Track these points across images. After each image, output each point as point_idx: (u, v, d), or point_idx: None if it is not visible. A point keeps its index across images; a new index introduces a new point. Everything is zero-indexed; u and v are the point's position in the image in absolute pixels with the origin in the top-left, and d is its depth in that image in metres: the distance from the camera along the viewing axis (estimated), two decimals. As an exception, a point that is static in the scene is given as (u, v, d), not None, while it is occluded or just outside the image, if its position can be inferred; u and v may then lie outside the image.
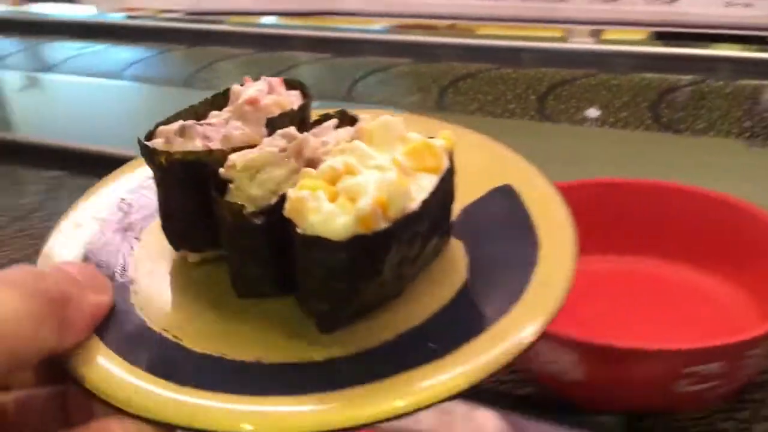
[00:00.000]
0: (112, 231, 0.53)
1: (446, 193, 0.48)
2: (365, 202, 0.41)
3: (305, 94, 0.54)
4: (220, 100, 0.54)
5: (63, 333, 0.42)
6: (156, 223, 0.54)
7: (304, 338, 0.45)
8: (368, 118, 0.49)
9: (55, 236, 0.53)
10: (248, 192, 0.46)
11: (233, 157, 0.47)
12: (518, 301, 0.45)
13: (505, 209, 0.53)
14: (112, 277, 0.49)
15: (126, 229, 0.54)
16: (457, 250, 0.50)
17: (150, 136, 0.50)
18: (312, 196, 0.43)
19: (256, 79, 0.54)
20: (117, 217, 0.55)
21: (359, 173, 0.44)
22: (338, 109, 0.53)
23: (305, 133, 0.48)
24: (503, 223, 0.52)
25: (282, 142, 0.47)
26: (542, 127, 1.26)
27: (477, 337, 0.43)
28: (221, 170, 0.47)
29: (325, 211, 0.42)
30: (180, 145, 0.49)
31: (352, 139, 0.49)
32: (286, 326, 0.46)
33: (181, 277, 0.50)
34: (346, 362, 0.43)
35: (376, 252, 0.43)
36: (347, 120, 0.53)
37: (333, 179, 0.44)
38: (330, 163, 0.45)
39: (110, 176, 0.59)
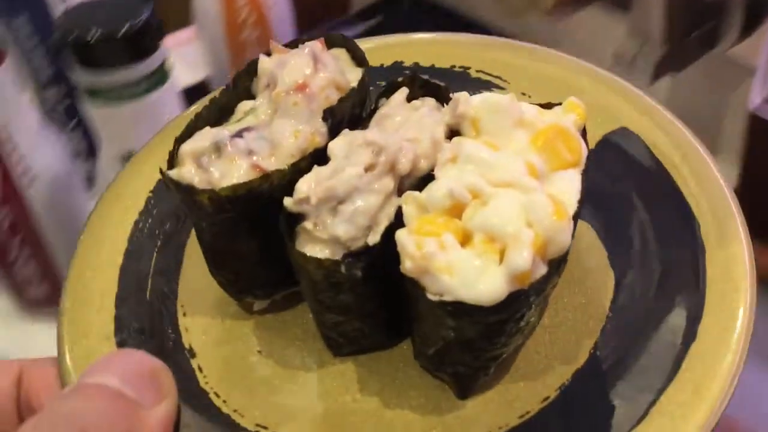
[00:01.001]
0: (143, 270, 0.42)
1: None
2: (523, 256, 0.30)
3: (359, 59, 0.41)
4: (245, 81, 0.40)
5: None
6: (191, 242, 0.43)
7: (440, 411, 0.35)
8: (466, 97, 0.36)
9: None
10: (332, 231, 0.34)
11: (304, 187, 0.34)
12: (702, 312, 0.35)
13: (628, 164, 0.42)
14: (162, 348, 0.38)
15: (159, 266, 0.42)
16: (587, 239, 0.40)
17: (172, 160, 0.37)
18: (439, 245, 0.31)
19: (289, 45, 0.40)
20: (144, 247, 0.43)
21: (491, 197, 0.32)
22: (408, 74, 0.40)
23: (393, 136, 0.36)
24: (633, 185, 0.41)
25: (365, 155, 0.35)
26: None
27: (671, 379, 0.34)
28: (288, 203, 0.35)
29: (465, 269, 0.31)
30: (220, 172, 0.36)
31: (450, 129, 0.37)
32: (410, 394, 0.36)
33: (254, 335, 0.39)
34: None
35: (532, 301, 0.33)
36: (418, 87, 0.40)
37: (457, 210, 0.33)
38: (448, 187, 0.33)
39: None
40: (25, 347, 0.76)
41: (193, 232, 0.43)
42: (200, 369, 0.38)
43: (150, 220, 0.44)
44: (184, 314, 0.40)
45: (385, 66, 0.49)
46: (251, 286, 0.39)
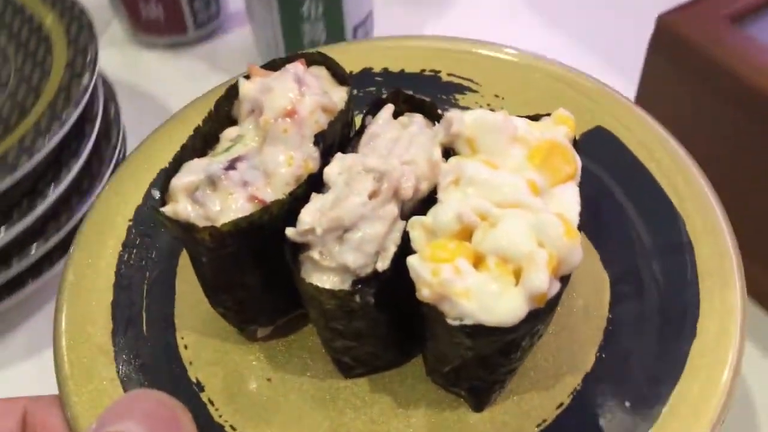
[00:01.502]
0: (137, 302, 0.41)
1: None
2: (540, 278, 0.31)
3: (340, 77, 0.40)
4: (226, 106, 0.40)
5: None
6: (182, 270, 0.42)
7: (459, 426, 0.36)
8: (460, 116, 0.36)
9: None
10: (340, 260, 0.34)
11: (307, 218, 0.34)
12: (698, 308, 0.37)
13: (607, 164, 0.43)
14: (168, 384, 0.38)
15: (149, 298, 0.41)
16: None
17: (163, 196, 0.36)
18: (455, 271, 0.32)
19: (267, 66, 0.40)
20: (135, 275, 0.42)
21: (499, 218, 0.33)
22: (391, 90, 0.40)
23: (392, 160, 0.36)
24: (615, 184, 0.42)
25: (367, 182, 0.35)
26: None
27: (677, 377, 0.35)
28: (292, 234, 0.34)
29: (483, 293, 0.31)
30: (217, 206, 0.35)
31: (445, 148, 0.37)
32: (426, 412, 0.37)
33: (261, 362, 0.39)
34: None
35: (548, 316, 0.33)
36: (402, 102, 0.40)
37: (465, 233, 0.33)
38: (456, 211, 0.33)
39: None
40: (136, 75, 0.75)
41: (182, 258, 0.42)
42: (211, 402, 0.37)
43: (135, 251, 0.43)
44: (186, 347, 0.39)
45: (354, 73, 0.48)
46: (255, 316, 0.39)
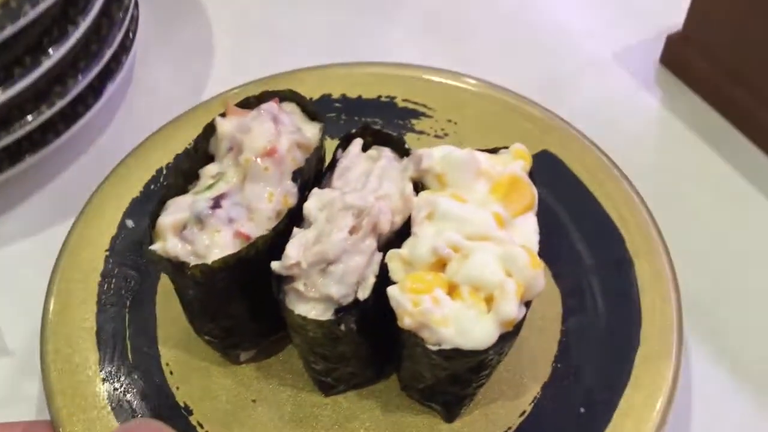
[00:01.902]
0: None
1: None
2: (511, 306, 0.34)
3: (311, 113, 0.43)
4: (204, 145, 0.42)
5: None
6: (161, 296, 0.44)
7: None
8: (429, 153, 0.39)
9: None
10: (324, 291, 0.37)
11: (293, 253, 0.37)
12: (641, 319, 0.41)
13: (553, 185, 0.47)
14: (158, 410, 0.40)
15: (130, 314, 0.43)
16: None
17: (150, 235, 0.38)
18: (433, 301, 0.35)
19: (243, 105, 0.42)
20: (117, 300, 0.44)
21: (471, 251, 0.36)
22: (360, 126, 0.43)
23: (371, 198, 0.38)
24: (562, 205, 0.47)
25: (347, 218, 0.38)
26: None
27: (626, 383, 0.39)
28: (277, 267, 0.37)
29: (460, 320, 0.35)
30: (206, 243, 0.38)
31: (415, 182, 0.40)
32: (402, 422, 0.40)
33: (245, 384, 0.41)
34: None
35: (515, 338, 0.37)
36: (370, 137, 0.43)
37: (439, 264, 0.37)
38: (431, 245, 0.36)
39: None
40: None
41: (160, 286, 0.44)
42: (201, 425, 0.40)
43: (114, 280, 0.44)
44: (171, 373, 0.42)
45: (314, 99, 0.51)
46: (241, 341, 0.41)
